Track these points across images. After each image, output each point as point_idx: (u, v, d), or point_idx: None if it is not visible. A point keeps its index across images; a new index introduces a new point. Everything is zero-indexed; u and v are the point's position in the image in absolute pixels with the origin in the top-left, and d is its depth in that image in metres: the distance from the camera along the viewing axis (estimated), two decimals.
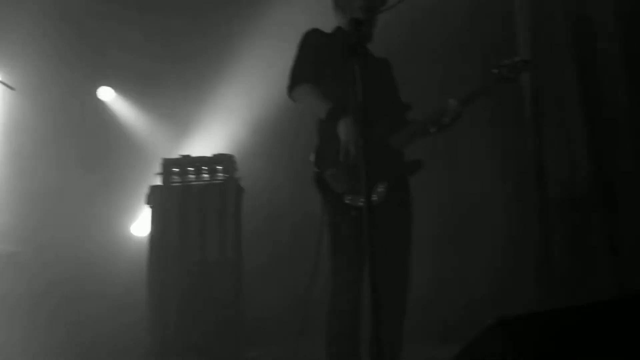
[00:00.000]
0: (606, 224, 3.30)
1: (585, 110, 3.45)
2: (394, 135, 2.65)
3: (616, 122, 3.33)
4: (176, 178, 4.16)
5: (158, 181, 4.17)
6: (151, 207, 4.11)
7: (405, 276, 2.68)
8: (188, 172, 4.17)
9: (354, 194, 2.51)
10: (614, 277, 3.19)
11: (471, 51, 4.20)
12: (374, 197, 2.51)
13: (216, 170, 4.18)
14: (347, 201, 2.54)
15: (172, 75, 5.13)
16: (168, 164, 4.19)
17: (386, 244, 2.50)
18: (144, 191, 4.17)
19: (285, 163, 4.52)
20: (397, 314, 2.62)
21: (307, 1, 4.00)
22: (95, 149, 5.06)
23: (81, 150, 5.01)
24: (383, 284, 2.53)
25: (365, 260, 1.92)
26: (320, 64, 2.70)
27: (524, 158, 3.81)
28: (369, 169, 1.91)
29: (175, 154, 4.31)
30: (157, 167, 4.18)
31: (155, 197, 4.11)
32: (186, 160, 4.22)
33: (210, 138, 4.96)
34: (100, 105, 5.34)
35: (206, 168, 4.18)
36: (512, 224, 3.92)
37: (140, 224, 5.05)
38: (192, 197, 4.08)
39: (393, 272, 2.61)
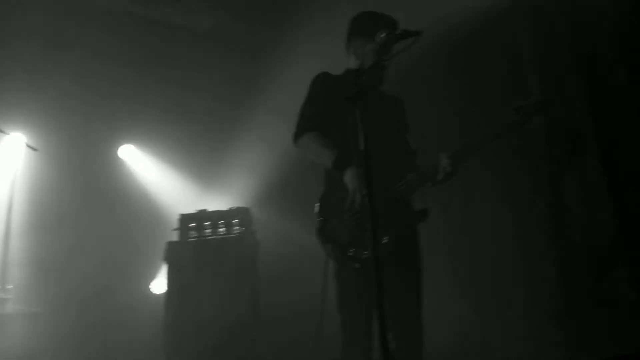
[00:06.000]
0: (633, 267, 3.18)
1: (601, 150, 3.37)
2: (396, 185, 2.55)
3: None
4: (193, 233, 4.23)
5: (175, 237, 4.23)
6: (168, 263, 4.15)
7: (416, 328, 2.52)
8: (205, 227, 4.23)
9: (357, 246, 2.42)
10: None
11: (479, 93, 4.16)
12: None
13: (232, 224, 4.24)
14: (350, 253, 2.44)
15: (188, 130, 5.26)
16: (185, 219, 4.26)
17: (394, 296, 2.42)
18: (163, 248, 4.21)
19: (296, 213, 4.50)
20: None
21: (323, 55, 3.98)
22: (115, 207, 5.17)
23: (101, 208, 5.13)
24: (395, 337, 2.47)
25: (373, 312, 1.82)
26: (326, 110, 2.66)
27: (540, 205, 3.75)
28: (374, 220, 1.83)
29: (193, 209, 4.37)
30: (175, 224, 4.25)
31: (172, 254, 4.16)
32: (203, 214, 4.29)
33: (226, 192, 5.03)
34: (121, 163, 5.52)
35: (223, 222, 4.23)
36: (530, 272, 3.85)
37: (159, 281, 5.06)
38: (209, 252, 4.11)
39: (404, 324, 2.49)
